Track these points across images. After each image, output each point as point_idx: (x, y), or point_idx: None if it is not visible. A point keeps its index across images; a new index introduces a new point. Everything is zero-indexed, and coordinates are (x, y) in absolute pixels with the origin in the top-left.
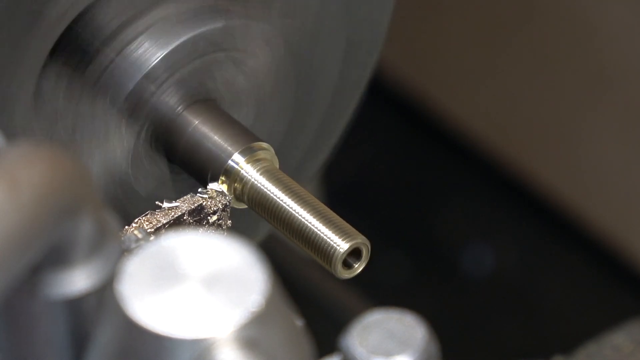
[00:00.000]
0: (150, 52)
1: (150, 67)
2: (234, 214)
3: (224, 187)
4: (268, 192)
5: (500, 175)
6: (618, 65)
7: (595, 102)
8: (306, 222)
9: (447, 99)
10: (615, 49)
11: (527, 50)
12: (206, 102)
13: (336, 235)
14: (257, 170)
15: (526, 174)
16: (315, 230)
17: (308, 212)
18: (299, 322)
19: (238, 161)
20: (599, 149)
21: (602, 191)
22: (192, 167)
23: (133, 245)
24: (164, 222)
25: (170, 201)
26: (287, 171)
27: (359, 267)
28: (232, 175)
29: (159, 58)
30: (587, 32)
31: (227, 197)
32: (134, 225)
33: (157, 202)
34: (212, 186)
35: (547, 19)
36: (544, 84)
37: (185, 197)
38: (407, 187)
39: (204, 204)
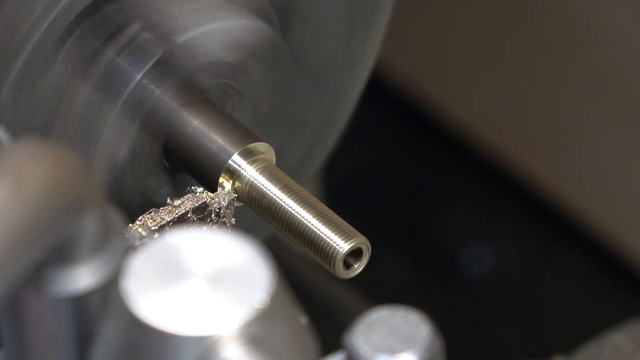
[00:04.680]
0: (149, 51)
1: (150, 66)
2: (237, 212)
3: (227, 185)
4: (268, 192)
5: (500, 175)
6: (618, 65)
7: (596, 102)
8: (306, 222)
9: (447, 99)
10: (615, 48)
11: (527, 50)
12: (206, 102)
13: (336, 235)
14: (257, 170)
15: (526, 174)
16: (316, 230)
17: (308, 212)
18: (304, 320)
19: (238, 161)
20: (599, 149)
21: (602, 191)
22: (192, 167)
23: (137, 243)
24: (168, 219)
25: (174, 199)
26: (287, 171)
27: (359, 267)
28: (232, 176)
29: (159, 57)
30: (587, 31)
31: (231, 195)
32: (137, 223)
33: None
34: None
35: (547, 19)
36: (544, 84)
37: (189, 195)
38: (407, 187)
39: (207, 201)
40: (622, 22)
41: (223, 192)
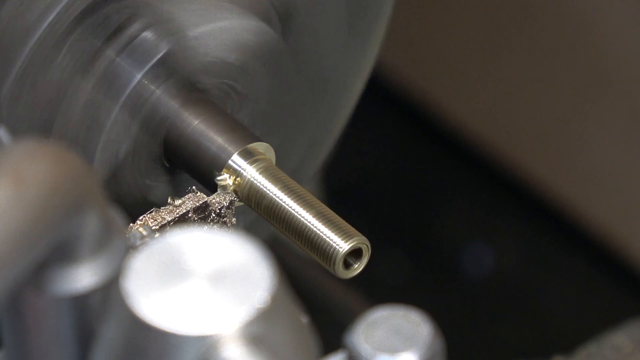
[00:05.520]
0: (150, 51)
1: (150, 66)
2: (237, 211)
3: (229, 181)
4: (268, 192)
5: (501, 176)
6: (618, 65)
7: (596, 102)
8: (306, 222)
9: (447, 99)
10: (615, 49)
11: (527, 51)
12: (206, 101)
13: (336, 235)
14: (257, 170)
15: (526, 174)
16: (316, 230)
17: (308, 212)
18: (304, 319)
19: (238, 161)
20: (599, 149)
21: (602, 191)
22: (192, 167)
23: (138, 243)
24: (169, 219)
25: (174, 199)
26: (287, 171)
27: (359, 267)
28: (232, 175)
29: (159, 57)
30: (587, 32)
31: (232, 195)
32: (138, 222)
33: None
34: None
35: (547, 19)
36: (544, 84)
37: (190, 194)
38: (407, 187)
39: (208, 201)
40: (622, 22)
41: (224, 191)
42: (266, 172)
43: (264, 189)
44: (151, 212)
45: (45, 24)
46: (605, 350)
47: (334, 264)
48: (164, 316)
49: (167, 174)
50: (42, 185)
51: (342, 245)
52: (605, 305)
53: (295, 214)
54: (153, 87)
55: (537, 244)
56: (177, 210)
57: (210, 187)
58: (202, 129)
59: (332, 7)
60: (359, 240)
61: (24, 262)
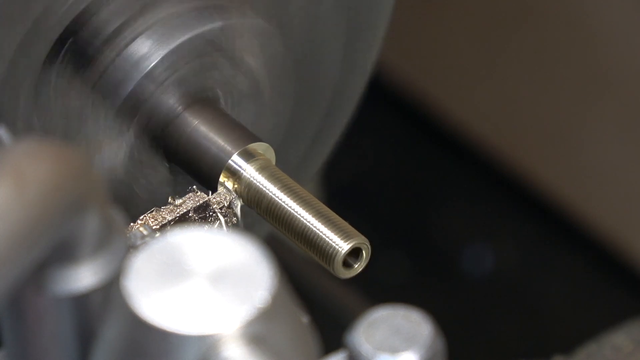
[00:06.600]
0: (150, 52)
1: (150, 67)
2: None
3: (228, 185)
4: (268, 192)
5: (500, 176)
6: (618, 65)
7: (595, 102)
8: (306, 222)
9: (447, 99)
10: (615, 49)
11: (527, 50)
12: (206, 102)
13: (336, 235)
14: (257, 171)
15: (526, 174)
16: (316, 230)
17: (308, 212)
18: (305, 319)
19: (238, 162)
20: (599, 149)
21: (602, 191)
22: (192, 168)
23: (139, 242)
24: (170, 219)
25: (175, 198)
26: (287, 171)
27: (359, 267)
28: (232, 176)
29: (159, 58)
30: (586, 31)
31: (232, 194)
32: (139, 222)
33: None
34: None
35: (547, 19)
36: (543, 84)
37: (190, 194)
38: (407, 187)
39: (209, 201)
40: (622, 22)
41: (224, 191)
42: (266, 172)
43: (264, 189)
44: (152, 211)
45: (44, 26)
46: (605, 350)
47: (334, 264)
48: (164, 316)
49: (167, 174)
50: (43, 185)
51: (342, 246)
52: (605, 305)
53: (295, 214)
54: (153, 88)
55: (537, 244)
56: (178, 210)
57: (210, 187)
58: (202, 129)
59: (330, 8)
60: (359, 241)
61: (24, 261)
